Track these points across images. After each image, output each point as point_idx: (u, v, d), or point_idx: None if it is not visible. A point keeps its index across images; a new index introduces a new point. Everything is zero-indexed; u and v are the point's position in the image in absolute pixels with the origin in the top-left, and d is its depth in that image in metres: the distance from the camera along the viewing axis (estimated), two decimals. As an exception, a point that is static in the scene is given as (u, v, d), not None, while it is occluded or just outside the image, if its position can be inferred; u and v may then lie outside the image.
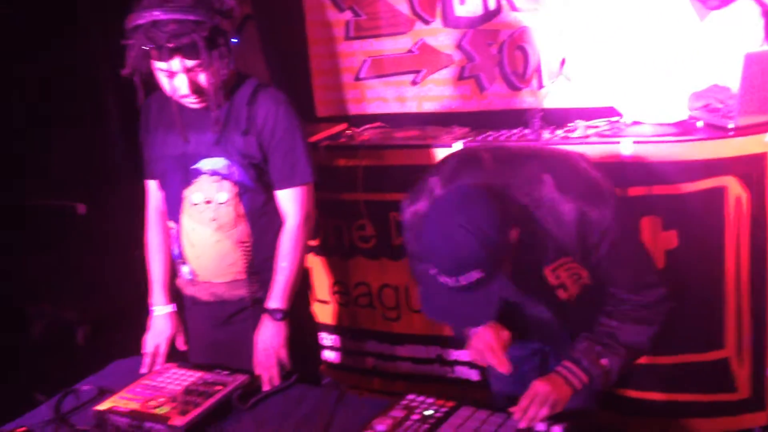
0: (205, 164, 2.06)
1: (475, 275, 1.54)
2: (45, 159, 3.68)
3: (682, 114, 2.42)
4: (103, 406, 1.87)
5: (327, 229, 2.91)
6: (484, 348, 1.77)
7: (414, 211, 1.82)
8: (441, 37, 3.12)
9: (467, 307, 1.59)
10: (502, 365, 1.75)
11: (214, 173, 2.05)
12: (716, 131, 2.26)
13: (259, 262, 2.12)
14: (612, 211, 1.67)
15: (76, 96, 3.66)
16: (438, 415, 1.72)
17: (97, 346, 3.62)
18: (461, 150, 2.00)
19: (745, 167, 2.21)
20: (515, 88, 3.05)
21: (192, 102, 1.98)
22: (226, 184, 2.05)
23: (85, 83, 3.65)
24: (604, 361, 1.72)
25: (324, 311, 3.00)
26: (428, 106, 3.21)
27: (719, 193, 2.24)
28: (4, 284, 3.50)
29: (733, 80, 2.43)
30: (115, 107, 3.71)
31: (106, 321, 3.74)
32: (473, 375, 2.82)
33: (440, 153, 2.65)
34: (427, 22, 3.12)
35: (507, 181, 1.66)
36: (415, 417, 1.71)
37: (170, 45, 1.83)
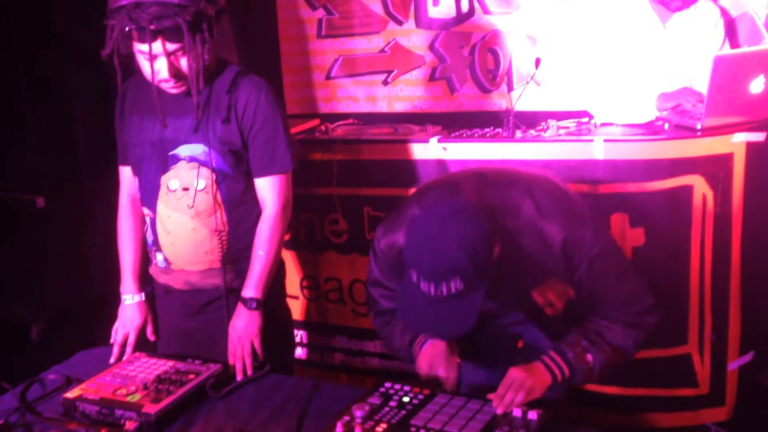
0: (184, 150, 2.04)
1: (455, 284, 1.55)
2: (6, 152, 3.59)
3: (650, 115, 2.49)
4: (71, 394, 1.83)
5: (299, 223, 2.90)
6: (436, 356, 1.77)
7: (390, 243, 1.82)
8: (413, 38, 3.16)
9: (445, 318, 1.60)
10: (448, 379, 1.75)
11: (192, 159, 2.03)
12: (684, 131, 2.33)
13: (235, 251, 2.10)
14: (591, 231, 1.72)
15: (38, 89, 3.58)
16: (415, 401, 1.73)
17: (54, 340, 3.53)
18: (439, 179, 2.02)
19: (711, 167, 2.28)
20: (486, 90, 3.11)
21: (171, 86, 1.96)
22: (205, 170, 2.03)
23: (47, 77, 3.58)
24: (588, 357, 1.74)
25: (293, 306, 2.96)
26: (399, 106, 3.24)
27: (686, 191, 2.31)
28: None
29: (698, 80, 2.53)
30: (78, 101, 3.65)
31: (63, 316, 3.66)
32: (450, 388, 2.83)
33: (417, 148, 2.68)
34: (400, 23, 3.15)
35: (490, 209, 1.68)
36: (393, 403, 1.72)
37: (152, 27, 1.82)
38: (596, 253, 1.72)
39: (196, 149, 2.03)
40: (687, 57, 2.59)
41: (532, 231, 1.70)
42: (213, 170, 2.03)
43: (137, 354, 2.08)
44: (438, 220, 1.58)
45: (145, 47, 1.85)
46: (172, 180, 2.05)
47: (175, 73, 1.92)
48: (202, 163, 2.03)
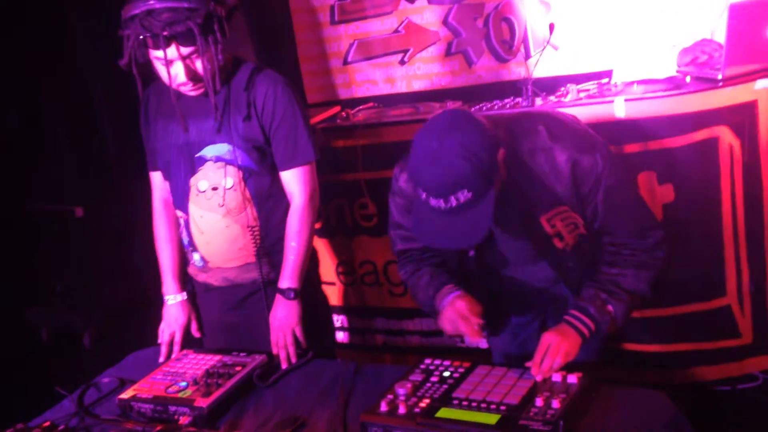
0: (209, 151, 2.08)
1: (464, 195, 1.56)
2: (40, 162, 3.69)
3: (671, 70, 2.46)
4: (126, 395, 1.89)
5: (329, 210, 2.94)
6: (456, 317, 1.79)
7: (408, 178, 1.84)
8: (426, 15, 3.15)
9: (458, 228, 1.61)
10: (474, 333, 1.76)
11: (218, 159, 2.07)
12: (705, 83, 2.30)
13: (268, 245, 2.15)
14: (603, 159, 1.71)
15: (67, 98, 3.66)
16: (456, 375, 1.75)
17: (104, 345, 3.65)
18: (451, 110, 2.02)
19: (736, 116, 2.25)
20: (503, 60, 3.09)
21: (190, 89, 2.00)
22: (231, 169, 2.07)
23: (75, 85, 3.66)
24: (609, 308, 1.76)
25: (330, 292, 3.02)
26: (418, 85, 3.25)
27: (712, 143, 2.29)
28: (7, 289, 3.51)
29: (718, 34, 2.48)
30: (106, 107, 3.72)
31: (113, 320, 3.77)
32: (482, 344, 2.86)
33: (436, 126, 2.68)
34: (411, 1, 3.14)
35: (503, 134, 1.68)
36: (434, 379, 1.75)
37: (165, 33, 1.86)
38: (612, 184, 1.71)
39: (221, 149, 2.07)
40: (707, 10, 2.54)
41: (543, 152, 1.70)
42: (239, 168, 2.07)
43: (185, 351, 2.13)
44: (437, 133, 1.58)
45: (160, 53, 1.90)
46: (201, 181, 2.10)
47: (192, 75, 1.96)
48: (228, 162, 2.07)
